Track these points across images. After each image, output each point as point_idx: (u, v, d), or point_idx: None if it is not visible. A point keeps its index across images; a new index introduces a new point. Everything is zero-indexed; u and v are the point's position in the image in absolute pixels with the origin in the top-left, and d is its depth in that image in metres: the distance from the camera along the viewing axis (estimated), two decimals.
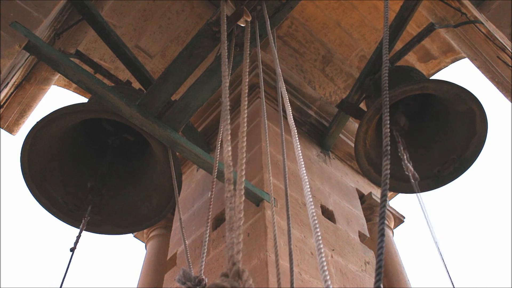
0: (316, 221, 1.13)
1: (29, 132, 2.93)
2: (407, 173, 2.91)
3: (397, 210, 4.95)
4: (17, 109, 3.52)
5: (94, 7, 3.46)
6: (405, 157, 2.97)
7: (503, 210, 14.01)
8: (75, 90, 5.01)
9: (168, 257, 3.77)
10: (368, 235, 3.84)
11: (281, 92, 2.26)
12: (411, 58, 5.32)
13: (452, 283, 2.41)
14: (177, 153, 3.20)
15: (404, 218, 4.94)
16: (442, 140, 3.83)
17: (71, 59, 2.97)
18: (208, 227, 2.10)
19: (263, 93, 2.69)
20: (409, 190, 3.97)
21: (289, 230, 1.80)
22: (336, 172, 4.34)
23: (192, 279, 1.56)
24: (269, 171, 2.42)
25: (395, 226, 4.91)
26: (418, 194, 2.96)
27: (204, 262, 1.88)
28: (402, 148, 3.08)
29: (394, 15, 3.87)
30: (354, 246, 3.48)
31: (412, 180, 2.91)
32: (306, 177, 1.31)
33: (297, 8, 5.04)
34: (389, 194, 5.12)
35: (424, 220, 2.68)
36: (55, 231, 14.79)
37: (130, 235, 4.89)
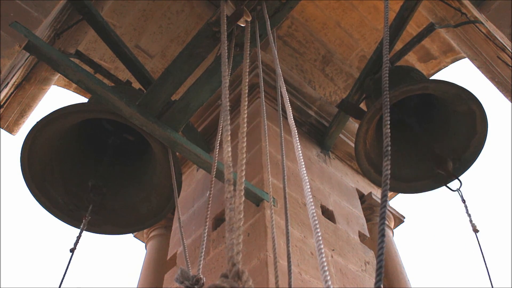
0: (316, 221, 1.12)
1: (29, 132, 2.93)
2: (474, 231, 2.95)
3: (397, 210, 4.95)
4: (17, 109, 3.52)
5: (94, 7, 3.46)
6: (470, 218, 3.00)
7: (503, 210, 14.01)
8: (75, 90, 5.01)
9: (168, 257, 3.76)
10: (368, 235, 3.84)
11: (281, 92, 2.26)
12: (411, 58, 5.32)
13: (491, 283, 2.42)
14: (177, 153, 3.20)
15: (404, 218, 4.94)
16: (442, 140, 3.84)
17: (71, 59, 2.97)
18: (207, 227, 2.10)
19: (263, 93, 2.69)
20: (409, 190, 3.98)
21: (287, 230, 1.80)
22: (336, 172, 4.34)
23: (190, 278, 1.56)
24: (269, 171, 2.42)
25: (395, 226, 4.91)
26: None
27: (202, 262, 1.88)
28: (466, 207, 3.12)
29: (394, 15, 3.87)
30: (354, 246, 3.48)
31: (474, 232, 2.95)
32: (306, 177, 1.31)
33: (297, 8, 5.04)
34: (389, 194, 5.11)
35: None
36: (55, 231, 14.80)
37: (130, 235, 4.89)
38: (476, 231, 2.94)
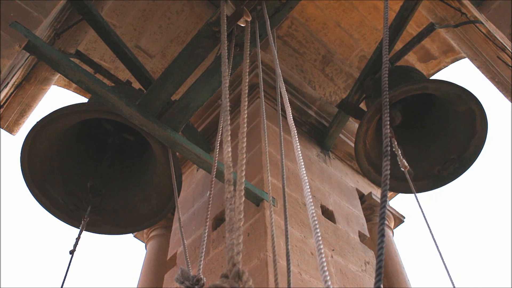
0: (316, 221, 1.12)
1: (29, 132, 2.93)
2: (402, 169, 2.92)
3: (397, 210, 4.94)
4: (17, 109, 3.53)
5: (94, 7, 3.46)
6: (400, 152, 2.96)
7: (503, 210, 14.01)
8: (75, 90, 5.01)
9: (168, 257, 3.77)
10: (368, 235, 3.84)
11: (280, 92, 2.26)
12: (411, 58, 5.32)
13: (452, 283, 2.41)
14: (177, 153, 3.20)
15: (404, 218, 4.94)
16: (442, 140, 3.84)
17: (71, 59, 2.97)
18: (207, 227, 2.10)
19: (263, 93, 2.69)
20: (409, 190, 3.98)
21: (286, 230, 1.80)
22: (336, 172, 4.34)
23: (190, 278, 1.56)
24: (268, 171, 2.42)
25: (395, 226, 4.90)
26: (415, 193, 2.95)
27: (202, 262, 1.89)
28: (396, 143, 3.05)
29: (394, 15, 3.87)
30: (354, 246, 3.48)
31: (407, 175, 2.93)
32: (306, 177, 1.31)
33: (297, 8, 5.03)
34: (389, 194, 5.11)
35: (423, 220, 2.68)
36: (56, 231, 14.80)
37: (130, 235, 4.89)
38: (405, 167, 2.93)
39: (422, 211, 2.72)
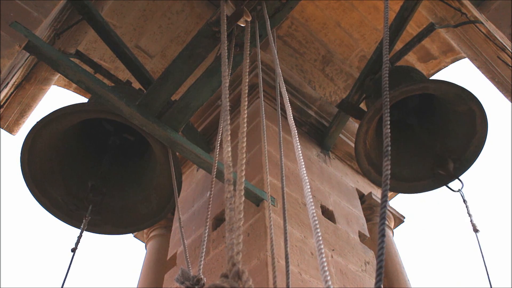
0: (316, 221, 1.12)
1: (29, 132, 2.93)
2: (475, 231, 2.97)
3: (397, 210, 4.95)
4: (17, 109, 3.52)
5: (94, 7, 3.46)
6: (471, 218, 3.02)
7: (503, 209, 14.01)
8: (75, 90, 5.01)
9: (168, 257, 3.77)
10: (368, 235, 3.84)
11: (280, 92, 2.26)
12: (411, 58, 5.32)
13: (490, 283, 2.43)
14: (177, 153, 3.20)
15: (404, 218, 4.94)
16: (442, 140, 3.84)
17: (71, 59, 2.97)
18: (208, 227, 2.10)
19: (263, 93, 2.69)
20: (409, 190, 3.98)
21: (285, 230, 1.80)
22: (336, 172, 4.34)
23: (191, 278, 1.56)
24: (267, 171, 2.42)
25: (395, 226, 4.91)
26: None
27: (203, 262, 1.88)
28: (467, 207, 3.13)
29: (394, 15, 3.87)
30: (354, 246, 3.48)
31: (474, 232, 2.98)
32: (306, 177, 1.31)
33: (297, 8, 5.03)
34: (389, 194, 5.11)
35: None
36: (56, 231, 14.80)
37: (130, 235, 4.90)
38: (476, 231, 2.95)
39: (480, 247, 2.75)
